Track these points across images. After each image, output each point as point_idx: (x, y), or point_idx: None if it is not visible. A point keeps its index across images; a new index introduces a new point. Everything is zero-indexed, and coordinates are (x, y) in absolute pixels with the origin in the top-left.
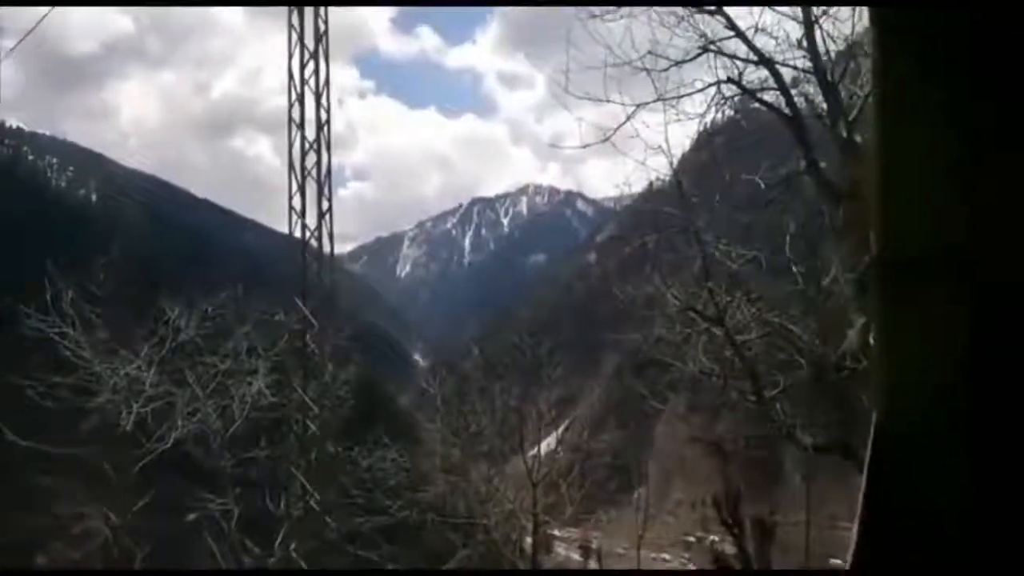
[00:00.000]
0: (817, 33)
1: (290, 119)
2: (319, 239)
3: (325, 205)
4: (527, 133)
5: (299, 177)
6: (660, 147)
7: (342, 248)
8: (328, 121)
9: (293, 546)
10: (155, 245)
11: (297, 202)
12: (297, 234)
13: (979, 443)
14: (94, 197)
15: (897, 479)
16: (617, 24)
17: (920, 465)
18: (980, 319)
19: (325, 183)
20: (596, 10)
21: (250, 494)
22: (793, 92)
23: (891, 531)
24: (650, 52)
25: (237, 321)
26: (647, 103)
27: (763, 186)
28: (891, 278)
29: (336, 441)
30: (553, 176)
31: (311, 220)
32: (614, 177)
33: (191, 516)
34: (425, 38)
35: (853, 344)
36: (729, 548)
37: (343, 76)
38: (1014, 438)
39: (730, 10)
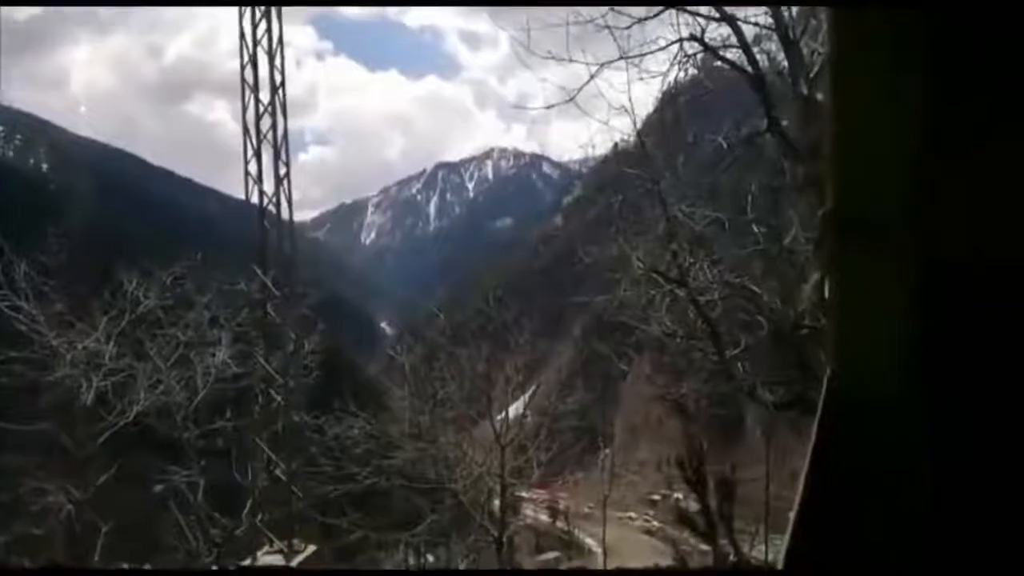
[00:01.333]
0: None
1: (243, 81)
2: (277, 205)
3: (283, 170)
4: (491, 94)
5: (255, 142)
6: (624, 107)
7: (305, 215)
8: (283, 83)
9: (260, 516)
10: (110, 215)
11: (253, 168)
12: (255, 200)
13: (929, 400)
14: (44, 166)
15: (847, 434)
16: None
17: (870, 421)
18: (930, 278)
19: (282, 147)
20: None
21: (216, 465)
22: (755, 50)
23: (838, 487)
24: (612, 9)
25: (198, 291)
26: (610, 61)
27: (726, 146)
28: (843, 235)
29: (302, 410)
30: (518, 138)
31: (269, 186)
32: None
33: (156, 489)
34: None
35: (808, 299)
36: (693, 505)
37: (300, 36)
38: (965, 396)
39: None
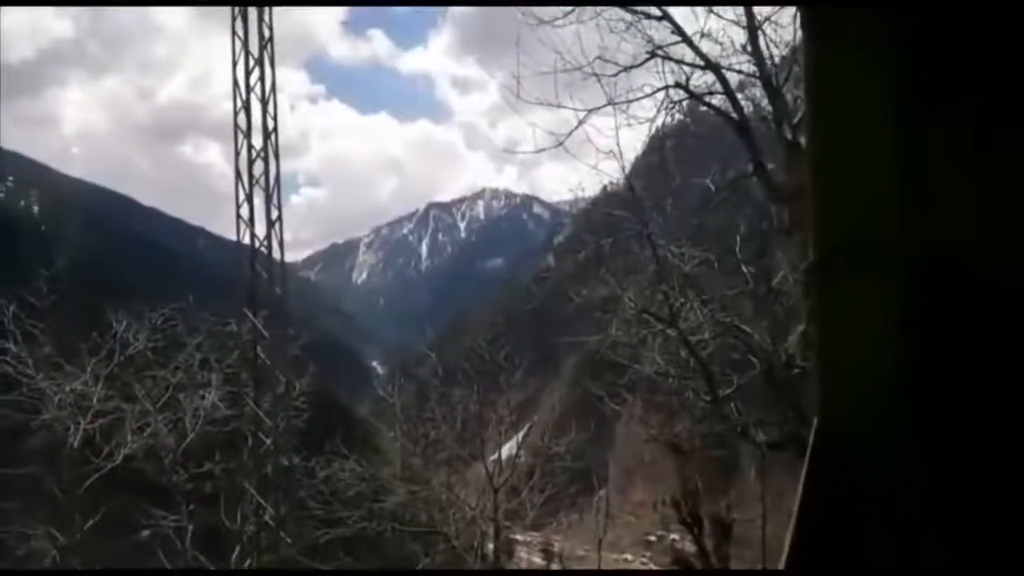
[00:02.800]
0: (761, 39)
1: (236, 127)
2: (268, 248)
3: (275, 214)
4: (482, 137)
5: (247, 186)
6: (612, 152)
7: (296, 255)
8: (275, 129)
9: (249, 562)
10: (101, 256)
11: (245, 211)
12: (247, 242)
13: (917, 436)
14: (36, 208)
15: (836, 472)
16: (566, 30)
17: (859, 460)
18: (912, 314)
19: (274, 191)
20: (545, 15)
21: (205, 510)
22: (739, 96)
23: (829, 522)
24: (599, 57)
25: (188, 332)
26: (598, 108)
27: (713, 188)
28: (824, 276)
29: (293, 453)
30: (509, 180)
31: (261, 229)
32: (569, 181)
33: (144, 534)
34: (377, 42)
35: (794, 347)
36: (689, 546)
37: (293, 81)
38: (951, 430)
39: (676, 15)
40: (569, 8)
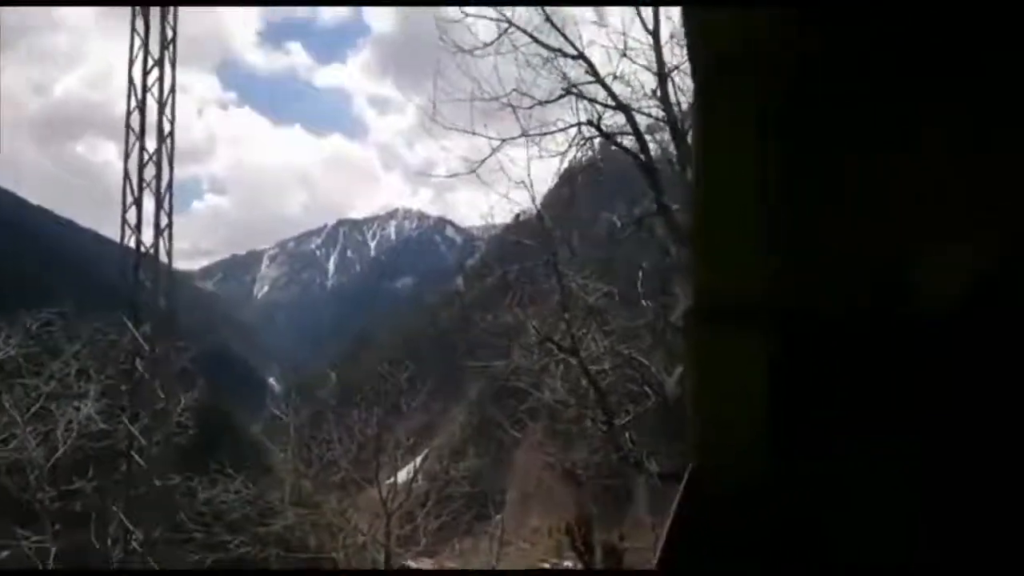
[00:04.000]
0: (670, 85)
1: (128, 127)
2: (156, 256)
3: (164, 221)
4: (397, 158)
5: (136, 189)
6: (523, 182)
7: (195, 264)
8: (172, 132)
9: None
10: None
11: (133, 216)
12: (133, 248)
13: (783, 482)
14: None
15: (703, 517)
16: (485, 61)
17: (726, 503)
18: (780, 373)
19: (165, 197)
20: (465, 44)
21: (72, 530)
22: (647, 138)
23: (693, 562)
24: (515, 90)
25: (67, 339)
26: (512, 138)
27: (619, 224)
28: (698, 325)
29: (174, 472)
30: (423, 201)
31: (150, 236)
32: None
33: (1, 555)
34: (294, 54)
35: (673, 391)
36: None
37: (203, 85)
38: (817, 476)
39: (591, 56)
40: (489, 39)
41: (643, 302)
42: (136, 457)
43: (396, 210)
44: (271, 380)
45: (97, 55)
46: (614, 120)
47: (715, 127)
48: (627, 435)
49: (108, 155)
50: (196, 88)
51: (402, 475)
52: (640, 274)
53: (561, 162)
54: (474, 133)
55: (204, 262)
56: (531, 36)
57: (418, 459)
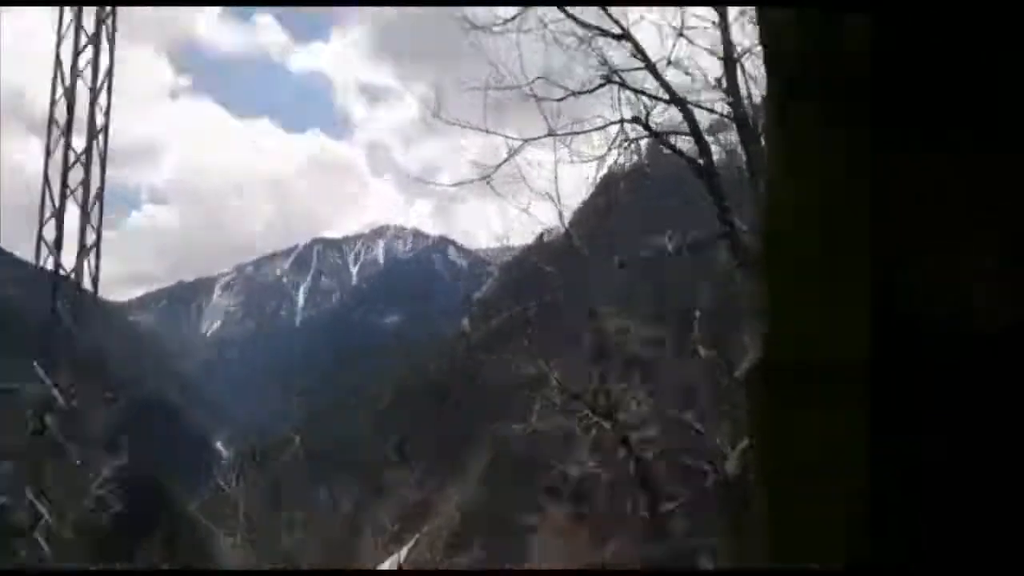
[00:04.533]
0: (739, 73)
1: (51, 120)
2: (78, 283)
3: (92, 237)
4: (391, 161)
5: (57, 198)
6: (548, 193)
7: (129, 293)
8: (106, 127)
9: None
10: None
11: (51, 231)
12: (50, 273)
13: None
14: None
15: None
16: (504, 39)
17: None
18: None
19: (94, 207)
20: (480, 18)
21: None
22: (709, 139)
23: None
24: (541, 77)
25: None
26: (536, 138)
27: (670, 248)
28: (765, 389)
29: (89, 560)
30: (421, 216)
31: (73, 257)
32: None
33: None
34: (265, 30)
35: (734, 469)
36: None
37: (150, 68)
38: (919, 549)
39: (638, 36)
40: (510, 14)
41: (699, 351)
42: (41, 540)
43: (386, 227)
44: (218, 443)
45: (15, 26)
46: (666, 116)
47: (793, 151)
48: (677, 524)
49: (24, 154)
50: (138, 72)
51: (386, 566)
52: (697, 314)
53: (598, 168)
54: (488, 131)
55: (140, 291)
56: (563, 9)
57: (404, 549)
